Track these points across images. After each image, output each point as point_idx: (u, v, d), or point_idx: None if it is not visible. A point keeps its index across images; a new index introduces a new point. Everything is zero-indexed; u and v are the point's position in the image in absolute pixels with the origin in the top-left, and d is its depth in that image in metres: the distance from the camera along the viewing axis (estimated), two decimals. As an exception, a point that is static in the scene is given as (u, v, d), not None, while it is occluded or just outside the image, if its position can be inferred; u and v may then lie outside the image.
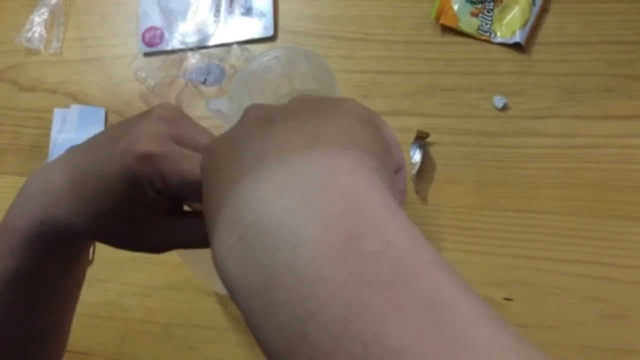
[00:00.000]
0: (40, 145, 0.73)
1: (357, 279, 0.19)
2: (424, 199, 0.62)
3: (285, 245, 0.21)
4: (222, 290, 0.62)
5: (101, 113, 0.72)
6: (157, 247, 0.37)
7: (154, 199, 0.34)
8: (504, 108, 0.63)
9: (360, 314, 0.19)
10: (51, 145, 0.72)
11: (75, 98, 0.74)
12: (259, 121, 0.28)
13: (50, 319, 0.44)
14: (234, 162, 0.25)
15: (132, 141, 0.34)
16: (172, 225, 0.36)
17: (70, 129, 0.72)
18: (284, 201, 0.22)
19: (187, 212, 0.38)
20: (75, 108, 0.73)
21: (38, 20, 0.77)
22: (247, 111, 0.30)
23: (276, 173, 0.23)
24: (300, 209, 0.21)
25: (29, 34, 0.77)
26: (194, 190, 0.34)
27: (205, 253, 0.54)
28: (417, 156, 0.62)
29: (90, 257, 0.66)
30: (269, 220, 0.21)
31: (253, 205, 0.22)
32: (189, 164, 0.34)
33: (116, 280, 0.65)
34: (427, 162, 0.63)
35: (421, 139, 0.63)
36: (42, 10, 0.77)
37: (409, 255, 0.21)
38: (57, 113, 0.73)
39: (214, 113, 0.57)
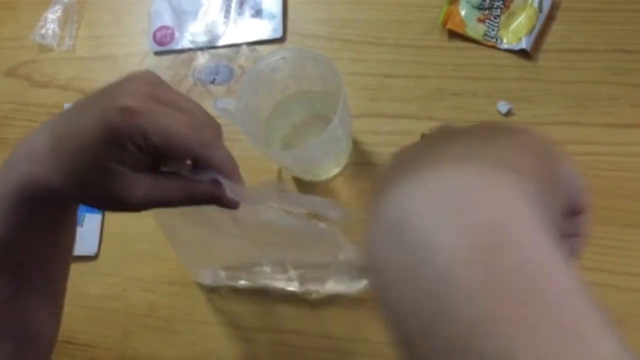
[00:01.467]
0: (50, 140, 0.74)
1: (489, 289, 0.20)
2: (428, 202, 0.62)
3: (425, 242, 0.22)
4: (208, 282, 0.63)
5: (111, 110, 0.73)
6: (137, 204, 0.38)
7: (134, 154, 0.35)
8: (508, 114, 0.63)
9: (486, 326, 0.19)
10: (61, 140, 0.73)
11: (86, 94, 0.75)
12: (443, 136, 0.31)
13: (39, 285, 0.44)
14: (406, 164, 0.28)
15: (114, 98, 0.35)
16: (152, 182, 0.38)
17: (81, 125, 0.73)
18: (431, 204, 0.23)
19: (165, 172, 0.40)
20: (86, 104, 0.73)
21: (52, 18, 0.78)
22: (438, 128, 0.33)
23: (431, 180, 0.25)
24: (444, 213, 0.22)
25: (43, 31, 0.78)
26: (173, 145, 0.36)
27: (194, 246, 0.55)
28: (421, 159, 0.62)
29: (95, 251, 0.67)
30: (415, 217, 0.23)
31: (405, 201, 0.24)
32: (169, 120, 0.35)
33: (121, 275, 0.66)
34: (431, 165, 0.63)
35: (426, 143, 0.63)
36: (55, 8, 0.79)
37: (548, 277, 0.20)
38: (68, 109, 0.74)
39: (221, 112, 0.58)
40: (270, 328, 0.61)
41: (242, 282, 0.62)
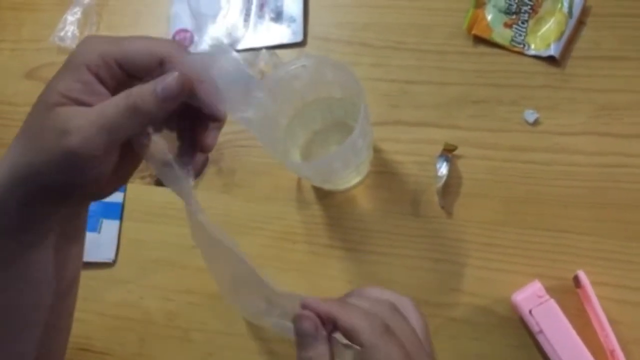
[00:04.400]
0: (69, 144, 0.73)
1: None
2: (449, 214, 0.61)
3: None
4: (241, 312, 0.61)
5: (130, 114, 0.72)
6: (87, 138, 0.34)
7: (89, 84, 0.35)
8: (536, 123, 0.61)
9: None
10: (80, 144, 0.72)
11: (105, 98, 0.74)
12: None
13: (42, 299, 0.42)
14: None
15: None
16: (92, 111, 0.35)
17: (99, 129, 0.72)
18: None
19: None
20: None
21: (71, 20, 0.78)
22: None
23: None
24: None
25: (62, 33, 0.77)
26: (134, 52, 0.36)
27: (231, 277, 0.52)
28: (443, 169, 0.61)
29: (113, 258, 0.67)
30: None
31: None
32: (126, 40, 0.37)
33: (138, 282, 0.66)
34: (453, 175, 0.62)
35: (448, 152, 0.62)
36: (75, 10, 0.78)
37: None
38: (87, 113, 0.73)
39: (240, 120, 0.57)
40: (290, 340, 0.61)
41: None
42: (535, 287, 0.54)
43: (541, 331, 0.52)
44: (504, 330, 0.57)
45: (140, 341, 0.64)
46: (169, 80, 0.35)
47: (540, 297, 0.53)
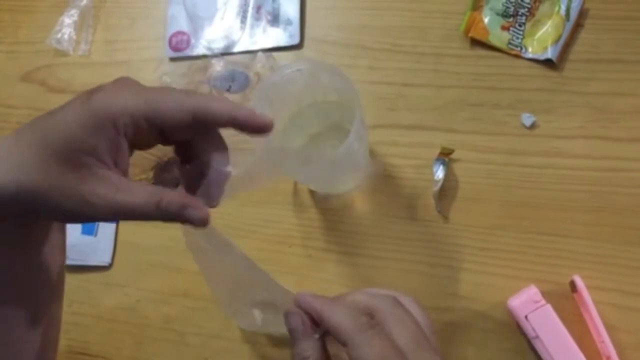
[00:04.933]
0: (66, 147, 0.73)
1: None
2: (445, 218, 0.61)
3: None
4: (242, 324, 0.61)
5: (126, 117, 0.72)
6: (98, 208, 0.34)
7: (114, 142, 0.34)
8: (533, 126, 0.61)
9: None
10: (76, 147, 0.72)
11: (101, 100, 0.74)
12: None
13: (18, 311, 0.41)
14: None
15: (95, 90, 0.34)
16: (119, 182, 0.34)
17: (96, 132, 0.72)
18: None
19: (131, 181, 0.36)
20: (100, 111, 0.73)
21: (68, 22, 0.77)
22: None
23: None
24: None
25: (59, 35, 0.77)
26: (165, 112, 0.35)
27: (231, 287, 0.52)
28: (440, 173, 0.61)
29: (109, 262, 0.67)
30: None
31: None
32: (155, 92, 0.35)
33: (135, 286, 0.66)
34: (450, 179, 0.61)
35: (445, 155, 0.61)
36: (72, 12, 0.78)
37: None
38: (83, 116, 0.73)
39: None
40: (286, 344, 0.61)
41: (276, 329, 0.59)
42: (531, 292, 0.54)
43: (537, 336, 0.52)
44: (500, 335, 0.56)
45: (136, 344, 0.64)
46: (196, 213, 0.36)
47: (536, 302, 0.53)
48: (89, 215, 0.34)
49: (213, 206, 0.39)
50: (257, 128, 0.39)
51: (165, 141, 0.39)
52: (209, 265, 0.50)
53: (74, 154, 0.33)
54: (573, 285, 0.54)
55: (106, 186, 0.34)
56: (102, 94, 0.34)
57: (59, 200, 0.34)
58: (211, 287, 0.55)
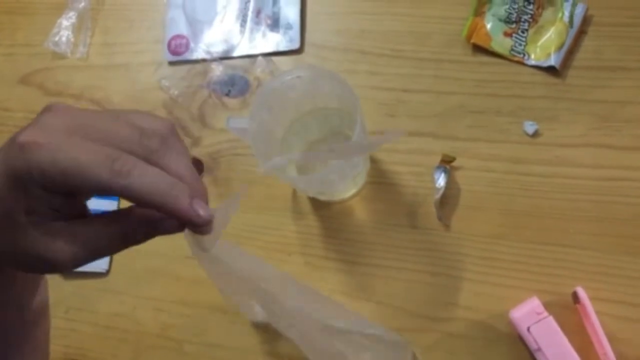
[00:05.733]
0: (63, 151, 0.72)
1: None
2: (447, 226, 0.60)
3: None
4: (254, 317, 0.60)
5: (124, 121, 0.72)
6: (60, 261, 0.31)
7: (42, 199, 0.30)
8: (535, 134, 0.60)
9: None
10: (73, 152, 0.72)
11: (100, 104, 0.73)
12: None
13: None
14: None
15: (20, 133, 0.30)
16: (69, 231, 0.32)
17: (93, 137, 0.71)
18: None
19: (86, 218, 0.33)
20: (98, 115, 0.72)
21: (66, 24, 0.77)
22: None
23: None
24: None
25: (57, 38, 0.76)
26: (77, 182, 0.29)
27: (238, 284, 0.51)
28: (441, 181, 0.60)
29: (106, 268, 0.66)
30: None
31: None
32: (75, 150, 0.29)
33: (132, 293, 0.65)
34: (451, 187, 0.61)
35: (446, 163, 0.61)
36: (70, 14, 0.77)
37: None
38: (81, 120, 0.73)
39: (235, 131, 0.56)
40: (285, 355, 0.60)
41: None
42: (534, 304, 0.53)
43: (539, 349, 0.51)
44: (501, 346, 0.56)
45: (133, 352, 0.63)
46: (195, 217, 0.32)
47: (538, 313, 0.52)
48: (58, 272, 0.33)
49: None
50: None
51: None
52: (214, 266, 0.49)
53: (9, 215, 0.31)
54: (576, 297, 0.54)
55: (59, 241, 0.31)
56: (19, 145, 0.30)
57: (17, 261, 0.32)
58: (223, 292, 0.54)
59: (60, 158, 0.29)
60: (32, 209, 0.31)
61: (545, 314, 0.52)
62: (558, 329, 0.52)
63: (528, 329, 0.52)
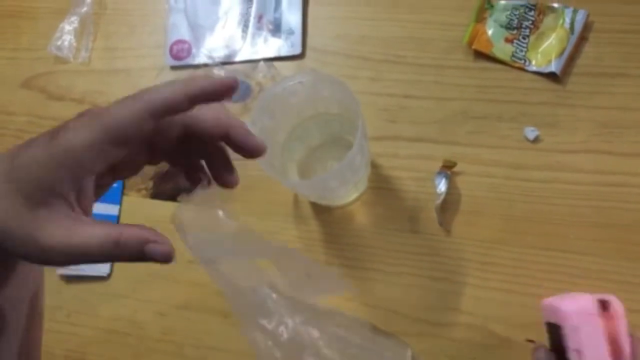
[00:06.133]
0: (65, 155, 0.73)
1: None
2: (448, 231, 0.60)
3: None
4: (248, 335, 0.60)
5: (126, 126, 0.72)
6: (52, 255, 0.32)
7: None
8: (536, 140, 0.61)
9: None
10: (75, 156, 0.72)
11: (101, 109, 0.74)
12: None
13: None
14: None
15: (63, 126, 0.32)
16: (73, 224, 0.32)
17: (95, 141, 0.72)
18: None
19: (90, 220, 0.34)
20: (100, 120, 0.72)
21: (68, 29, 0.77)
22: None
23: None
24: None
25: (59, 42, 0.77)
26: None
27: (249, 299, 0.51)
28: (442, 186, 0.60)
29: (107, 272, 0.67)
30: None
31: None
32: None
33: (133, 297, 0.65)
34: (452, 192, 0.61)
35: (447, 168, 0.61)
36: (72, 19, 0.77)
37: None
38: (83, 124, 0.73)
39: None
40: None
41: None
42: (587, 302, 0.49)
43: (580, 350, 0.47)
44: (502, 351, 0.56)
45: (134, 356, 0.63)
46: (164, 253, 0.34)
47: (590, 314, 0.48)
48: (44, 261, 0.32)
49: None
50: (250, 150, 0.38)
51: (152, 160, 0.38)
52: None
53: (35, 192, 0.32)
54: (604, 305, 0.49)
55: (62, 229, 0.32)
56: (64, 132, 0.32)
57: (16, 243, 0.32)
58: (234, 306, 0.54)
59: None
60: (57, 193, 0.32)
61: (596, 315, 0.48)
62: (602, 334, 0.47)
63: (574, 327, 0.48)
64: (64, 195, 0.32)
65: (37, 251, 0.32)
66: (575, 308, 0.49)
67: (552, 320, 0.51)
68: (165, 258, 0.34)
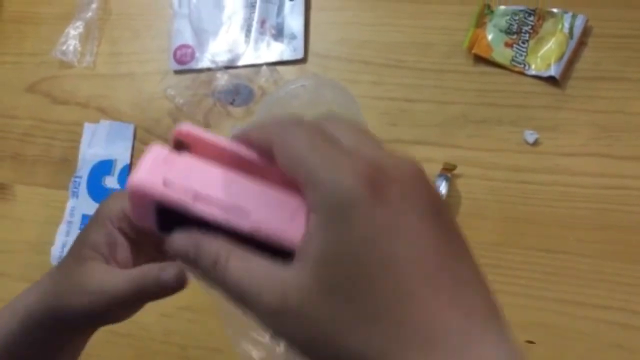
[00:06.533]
0: (69, 158, 0.73)
1: None
2: (448, 234, 0.60)
3: None
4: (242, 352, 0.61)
5: (130, 129, 0.72)
6: (94, 299, 0.36)
7: (112, 235, 0.36)
8: (536, 143, 0.61)
9: None
10: (80, 159, 0.72)
11: (106, 113, 0.74)
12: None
13: None
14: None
15: None
16: (108, 273, 0.36)
17: (99, 144, 0.72)
18: None
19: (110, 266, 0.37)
20: (104, 123, 0.73)
21: (73, 34, 0.78)
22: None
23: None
24: None
25: (64, 47, 0.77)
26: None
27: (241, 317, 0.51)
28: (442, 189, 0.61)
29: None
30: None
31: None
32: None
33: (136, 298, 0.66)
34: (452, 195, 0.61)
35: (447, 171, 0.61)
36: (77, 24, 0.78)
37: None
38: (87, 127, 0.74)
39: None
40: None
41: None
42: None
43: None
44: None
45: (137, 357, 0.64)
46: (167, 276, 0.35)
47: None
48: (89, 308, 0.36)
49: None
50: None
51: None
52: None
53: (79, 248, 0.37)
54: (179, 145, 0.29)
55: (99, 277, 0.36)
56: (105, 200, 0.38)
57: (70, 298, 0.36)
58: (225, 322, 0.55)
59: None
60: (98, 245, 0.37)
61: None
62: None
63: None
64: (98, 247, 0.37)
65: (84, 296, 0.36)
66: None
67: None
68: (178, 281, 0.36)
